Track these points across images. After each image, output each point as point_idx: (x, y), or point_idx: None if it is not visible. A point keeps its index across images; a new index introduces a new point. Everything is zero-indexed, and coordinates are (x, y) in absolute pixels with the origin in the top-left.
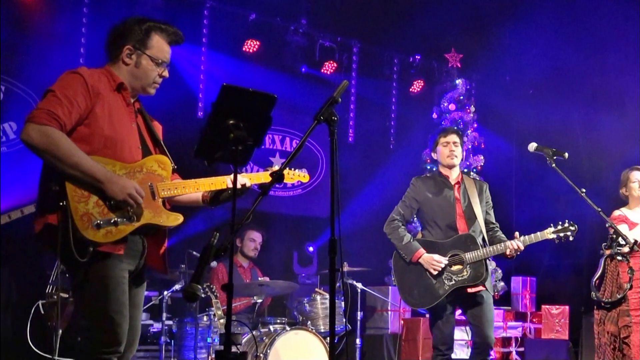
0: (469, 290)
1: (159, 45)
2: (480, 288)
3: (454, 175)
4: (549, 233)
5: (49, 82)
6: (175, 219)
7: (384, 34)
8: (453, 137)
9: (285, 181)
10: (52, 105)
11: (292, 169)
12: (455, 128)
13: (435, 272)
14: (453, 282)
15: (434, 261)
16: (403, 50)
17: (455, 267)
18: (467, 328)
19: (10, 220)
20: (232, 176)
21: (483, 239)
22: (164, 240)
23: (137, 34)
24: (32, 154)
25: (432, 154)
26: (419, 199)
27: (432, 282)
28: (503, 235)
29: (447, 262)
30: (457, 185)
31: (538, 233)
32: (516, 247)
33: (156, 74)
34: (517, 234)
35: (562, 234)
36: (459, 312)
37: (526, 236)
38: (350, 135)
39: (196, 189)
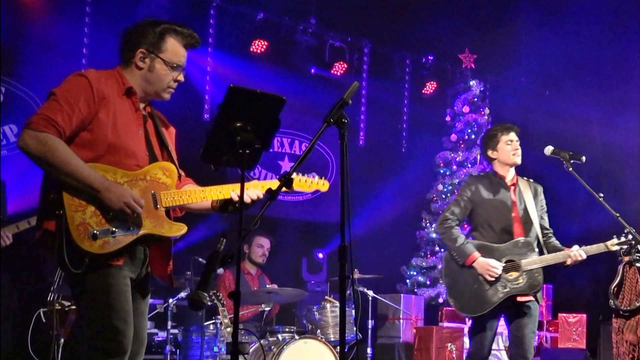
0: (519, 299)
1: (174, 49)
2: (530, 298)
3: (509, 176)
4: (612, 245)
5: (50, 84)
6: (179, 229)
7: (395, 34)
8: (514, 135)
9: (302, 189)
10: (51, 111)
11: (310, 175)
12: (514, 125)
13: (490, 278)
14: (508, 289)
15: (490, 266)
16: (415, 50)
17: (510, 274)
18: None
19: (19, 230)
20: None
21: (539, 245)
22: (170, 251)
23: (150, 37)
24: None
25: (489, 152)
26: (475, 200)
27: (484, 288)
28: (558, 242)
29: (502, 268)
30: (512, 187)
31: (601, 244)
32: (578, 257)
33: (170, 78)
34: (576, 246)
35: (625, 247)
36: None
37: (587, 247)
38: (361, 138)
39: (202, 198)
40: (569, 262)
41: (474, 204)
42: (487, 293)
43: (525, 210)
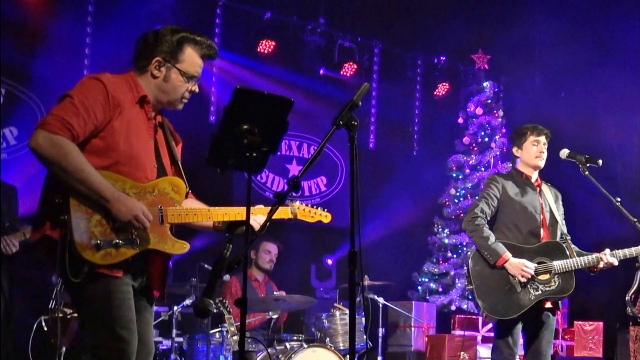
0: (546, 304)
1: (191, 59)
2: (550, 305)
3: (534, 177)
4: None
5: (51, 85)
6: (181, 247)
7: (406, 34)
8: (544, 138)
9: (305, 219)
10: (67, 113)
11: (315, 206)
12: (547, 130)
13: (523, 280)
14: (540, 292)
15: (525, 266)
16: (427, 51)
17: (542, 277)
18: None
19: (26, 238)
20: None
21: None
22: (167, 267)
23: (168, 45)
24: (34, 162)
25: (514, 150)
26: (502, 199)
27: (516, 290)
28: (577, 248)
29: (535, 269)
30: (538, 188)
31: (632, 249)
32: (610, 262)
33: (185, 89)
34: (607, 250)
35: None
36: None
37: (619, 251)
38: (371, 141)
39: (208, 218)
40: (601, 265)
41: (501, 203)
42: (519, 295)
43: (551, 213)
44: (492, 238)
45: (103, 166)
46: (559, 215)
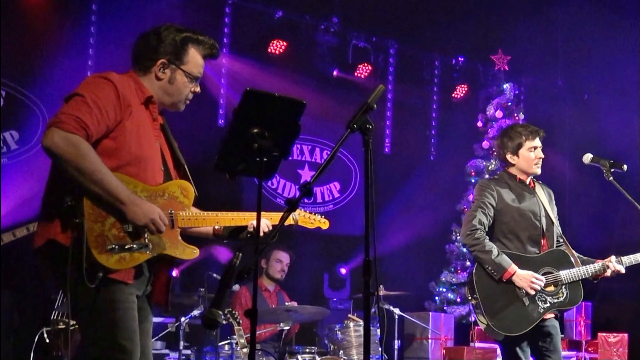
0: (547, 315)
1: (195, 60)
2: (552, 315)
3: (528, 179)
4: None
5: (54, 87)
6: (192, 253)
7: (423, 34)
8: (539, 141)
9: (305, 226)
10: (81, 112)
11: (312, 213)
12: (540, 129)
13: (532, 292)
14: (548, 304)
15: (534, 278)
16: (445, 51)
17: (549, 288)
18: None
19: (15, 238)
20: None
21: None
22: (170, 274)
23: (172, 47)
24: (36, 167)
25: (508, 156)
26: (499, 206)
27: (525, 304)
28: (574, 252)
29: (545, 281)
30: (533, 191)
31: (637, 255)
32: (617, 270)
33: (189, 90)
34: (613, 257)
35: None
36: None
37: (625, 257)
38: (386, 146)
39: (216, 223)
40: (608, 273)
41: (498, 211)
42: (527, 309)
43: (547, 217)
44: (495, 251)
45: (112, 167)
46: (554, 216)
